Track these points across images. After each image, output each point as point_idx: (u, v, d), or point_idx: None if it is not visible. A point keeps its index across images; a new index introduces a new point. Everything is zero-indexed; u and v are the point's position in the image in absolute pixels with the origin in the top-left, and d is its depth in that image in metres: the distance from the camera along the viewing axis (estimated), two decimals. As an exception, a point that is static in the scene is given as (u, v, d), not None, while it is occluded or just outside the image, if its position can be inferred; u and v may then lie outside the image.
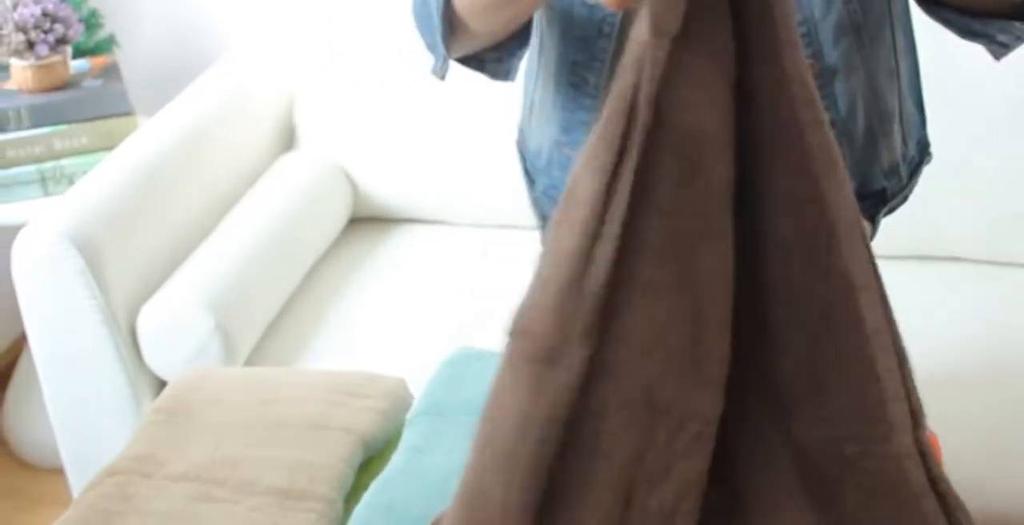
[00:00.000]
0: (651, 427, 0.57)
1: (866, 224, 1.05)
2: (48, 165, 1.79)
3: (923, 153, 1.11)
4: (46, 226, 1.47)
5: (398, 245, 1.87)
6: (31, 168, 1.78)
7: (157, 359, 1.53)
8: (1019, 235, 1.69)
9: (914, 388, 0.62)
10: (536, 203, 1.12)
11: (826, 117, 0.59)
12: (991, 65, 1.74)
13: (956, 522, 0.61)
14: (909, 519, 0.60)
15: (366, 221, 1.94)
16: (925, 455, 0.61)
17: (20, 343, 2.07)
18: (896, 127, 1.03)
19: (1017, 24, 0.91)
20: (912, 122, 1.07)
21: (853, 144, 0.99)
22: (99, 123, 1.81)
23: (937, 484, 0.61)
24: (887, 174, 1.04)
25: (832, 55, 0.94)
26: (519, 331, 0.59)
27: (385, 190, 1.90)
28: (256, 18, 2.07)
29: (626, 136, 0.55)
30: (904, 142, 1.05)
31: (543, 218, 1.11)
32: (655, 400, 0.57)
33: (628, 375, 0.57)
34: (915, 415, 0.61)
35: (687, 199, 0.56)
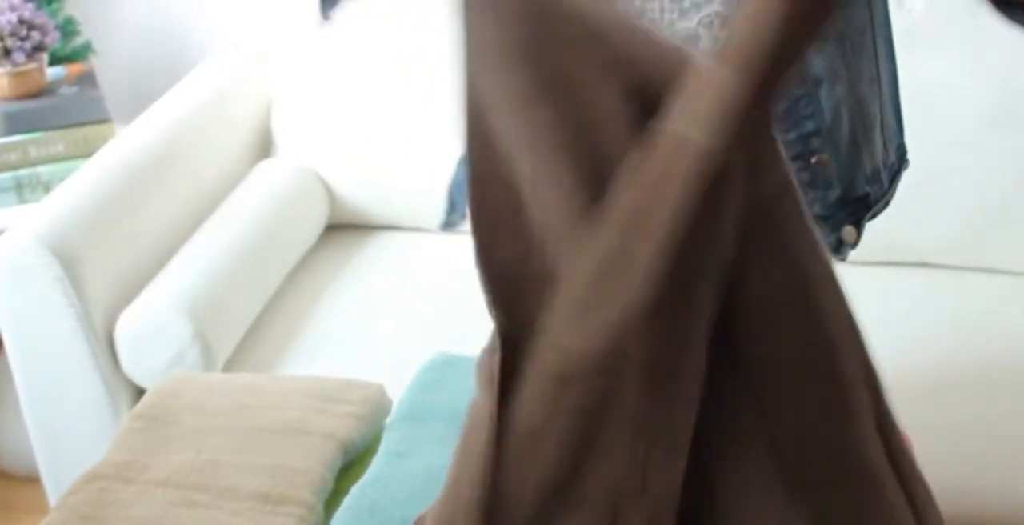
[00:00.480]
0: (634, 445, 0.58)
1: (851, 229, 1.07)
2: (24, 172, 1.79)
3: (901, 159, 1.13)
4: (23, 233, 1.47)
5: (375, 252, 1.88)
6: (6, 175, 1.78)
7: (135, 366, 1.53)
8: (989, 242, 1.72)
9: (888, 411, 0.64)
10: (452, 187, 1.14)
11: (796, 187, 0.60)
12: (963, 73, 1.77)
13: (918, 503, 0.64)
14: (873, 503, 0.62)
15: (343, 228, 1.94)
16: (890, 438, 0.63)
17: (-4, 351, 2.07)
18: (878, 134, 1.05)
19: None
20: (892, 129, 1.09)
21: (838, 151, 1.01)
22: (75, 130, 1.81)
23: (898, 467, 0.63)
24: (870, 180, 1.06)
25: (816, 64, 0.96)
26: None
27: (362, 197, 1.91)
28: (233, 26, 2.08)
29: None
30: (885, 148, 1.08)
31: (451, 204, 1.14)
32: (639, 417, 0.58)
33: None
34: (885, 431, 0.63)
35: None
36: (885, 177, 1.08)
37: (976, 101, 1.68)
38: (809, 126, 0.96)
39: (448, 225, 1.14)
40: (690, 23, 0.95)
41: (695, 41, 0.95)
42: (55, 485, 1.60)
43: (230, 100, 1.91)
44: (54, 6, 2.00)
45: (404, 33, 1.82)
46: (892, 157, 1.10)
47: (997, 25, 0.92)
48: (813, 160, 0.98)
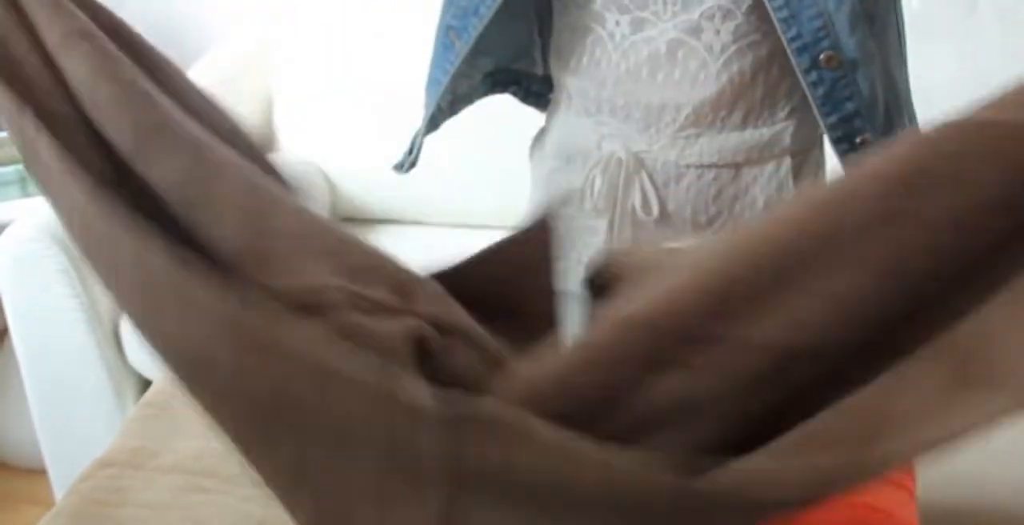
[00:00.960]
0: None
1: None
2: (28, 166, 1.79)
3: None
4: (28, 225, 1.48)
5: (377, 245, 1.89)
6: (11, 169, 1.78)
7: (140, 358, 1.54)
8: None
9: None
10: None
11: None
12: (959, 68, 1.77)
13: None
14: None
15: (346, 221, 1.95)
16: None
17: (1, 341, 2.07)
18: (904, 107, 1.08)
19: None
20: (910, 104, 1.12)
21: (875, 127, 1.02)
22: (79, 124, 1.82)
23: None
24: None
25: (849, 45, 0.97)
26: None
27: (364, 191, 1.92)
28: (235, 20, 2.09)
29: None
30: (909, 121, 1.10)
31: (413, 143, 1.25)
32: None
33: None
34: None
35: None
36: None
37: (971, 97, 1.69)
38: (850, 107, 0.98)
39: (399, 166, 1.23)
40: (692, 15, 0.96)
41: (697, 33, 0.97)
42: (60, 476, 1.61)
43: (232, 94, 1.90)
44: None
45: (409, 26, 1.83)
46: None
47: (993, 21, 0.94)
48: (858, 140, 0.99)
